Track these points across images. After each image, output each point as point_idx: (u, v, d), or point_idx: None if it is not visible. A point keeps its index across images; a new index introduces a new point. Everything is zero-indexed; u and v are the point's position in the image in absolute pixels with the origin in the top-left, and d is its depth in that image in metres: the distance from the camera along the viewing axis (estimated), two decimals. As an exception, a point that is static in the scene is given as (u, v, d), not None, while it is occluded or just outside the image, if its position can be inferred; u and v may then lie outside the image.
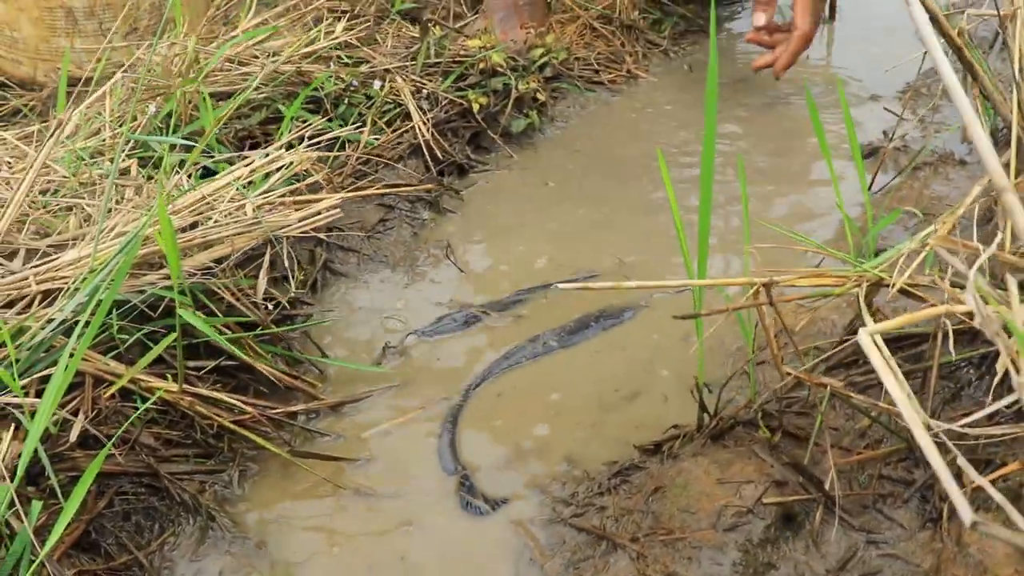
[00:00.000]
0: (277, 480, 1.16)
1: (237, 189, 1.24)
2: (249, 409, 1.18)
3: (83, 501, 1.07)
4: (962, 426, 0.93)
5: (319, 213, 1.27)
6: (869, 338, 0.73)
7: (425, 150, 1.65)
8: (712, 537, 0.95)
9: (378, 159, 1.62)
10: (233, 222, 1.24)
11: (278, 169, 1.31)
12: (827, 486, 0.99)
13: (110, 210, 1.30)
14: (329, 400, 1.25)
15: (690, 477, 1.02)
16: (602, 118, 1.87)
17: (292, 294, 1.29)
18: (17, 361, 1.12)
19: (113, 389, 1.11)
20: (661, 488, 1.02)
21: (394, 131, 1.68)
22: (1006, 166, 1.28)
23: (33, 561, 0.96)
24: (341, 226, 1.50)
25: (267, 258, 1.25)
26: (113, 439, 1.05)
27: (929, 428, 0.96)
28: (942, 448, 1.01)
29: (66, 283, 1.18)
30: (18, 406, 1.06)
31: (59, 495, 1.01)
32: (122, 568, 1.04)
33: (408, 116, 1.69)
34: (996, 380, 0.89)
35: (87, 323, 1.04)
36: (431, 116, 1.69)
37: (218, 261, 1.24)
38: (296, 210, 1.27)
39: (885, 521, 0.98)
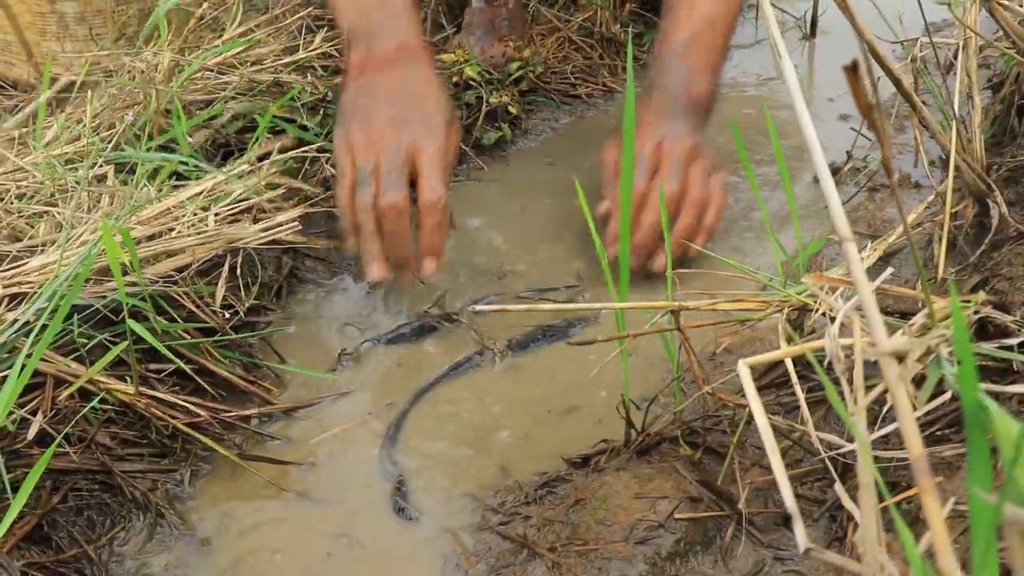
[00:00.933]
0: (226, 481, 1.22)
1: (200, 203, 1.30)
2: (202, 412, 1.24)
3: (38, 496, 1.14)
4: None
5: (279, 225, 1.32)
6: (746, 368, 0.78)
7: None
8: (623, 550, 1.00)
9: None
10: (196, 233, 1.30)
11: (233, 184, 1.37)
12: (741, 503, 1.04)
13: (81, 217, 1.36)
14: (282, 405, 1.31)
15: (610, 491, 1.07)
16: (576, 132, 1.92)
17: (248, 304, 1.35)
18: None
19: (71, 389, 1.18)
20: (582, 500, 1.07)
21: (367, 142, 1.73)
22: (944, 194, 1.32)
23: (-16, 553, 1.03)
24: (308, 234, 1.56)
25: (226, 267, 1.31)
26: (62, 435, 1.10)
27: (832, 448, 1.01)
28: (847, 469, 1.06)
29: (32, 288, 1.24)
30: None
31: (8, 491, 1.07)
32: (71, 560, 1.11)
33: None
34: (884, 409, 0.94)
35: (44, 326, 1.11)
36: (404, 128, 1.74)
37: (180, 270, 1.30)
38: (255, 222, 1.32)
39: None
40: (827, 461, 0.98)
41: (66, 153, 1.54)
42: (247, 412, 1.28)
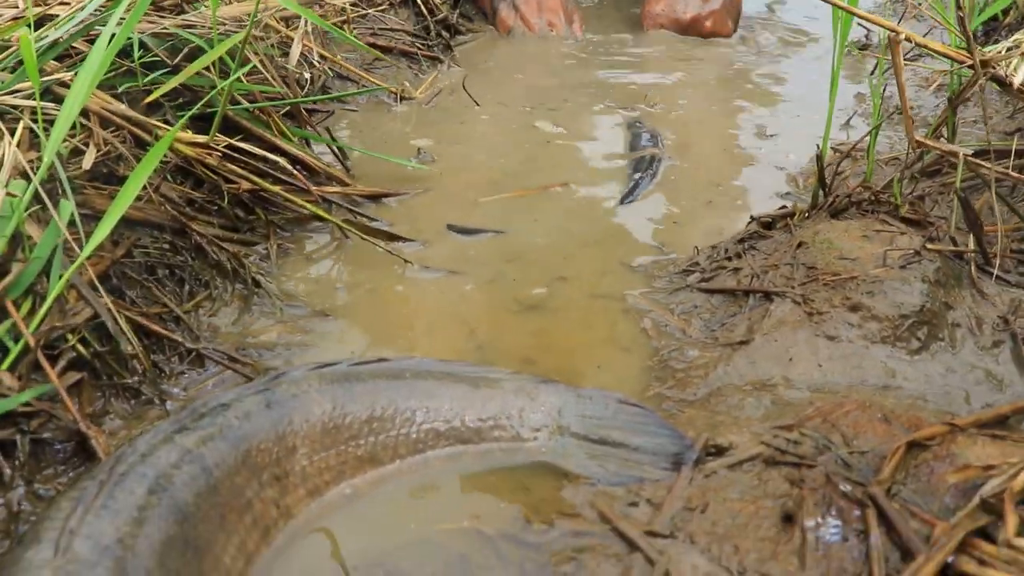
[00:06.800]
0: (330, 256, 0.94)
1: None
2: (296, 172, 0.96)
3: (99, 245, 0.81)
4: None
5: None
6: None
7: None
8: (891, 273, 0.83)
9: (368, 4, 1.44)
10: (263, -24, 1.02)
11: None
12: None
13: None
14: (368, 189, 1.05)
15: (830, 236, 0.90)
16: None
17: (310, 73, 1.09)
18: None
19: (165, 142, 0.87)
20: (804, 244, 0.89)
21: (380, -22, 1.50)
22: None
23: (61, 276, 0.71)
24: (337, 57, 1.30)
25: (304, 20, 1.04)
26: (158, 156, 0.78)
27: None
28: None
29: (69, 7, 0.92)
30: (30, 111, 0.80)
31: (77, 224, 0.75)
32: (156, 319, 0.79)
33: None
34: None
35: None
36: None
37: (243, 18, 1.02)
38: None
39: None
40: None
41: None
42: (347, 190, 1.01)
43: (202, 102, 0.92)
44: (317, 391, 0.66)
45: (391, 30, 1.41)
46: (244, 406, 0.63)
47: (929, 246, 0.87)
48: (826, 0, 0.89)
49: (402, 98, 1.31)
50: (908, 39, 0.93)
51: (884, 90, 0.97)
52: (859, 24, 1.74)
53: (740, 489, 0.64)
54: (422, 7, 1.47)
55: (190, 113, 0.89)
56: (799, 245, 0.89)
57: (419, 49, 1.42)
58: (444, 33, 1.48)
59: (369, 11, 1.42)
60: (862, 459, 0.65)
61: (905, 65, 1.40)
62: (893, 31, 0.93)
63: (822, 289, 0.84)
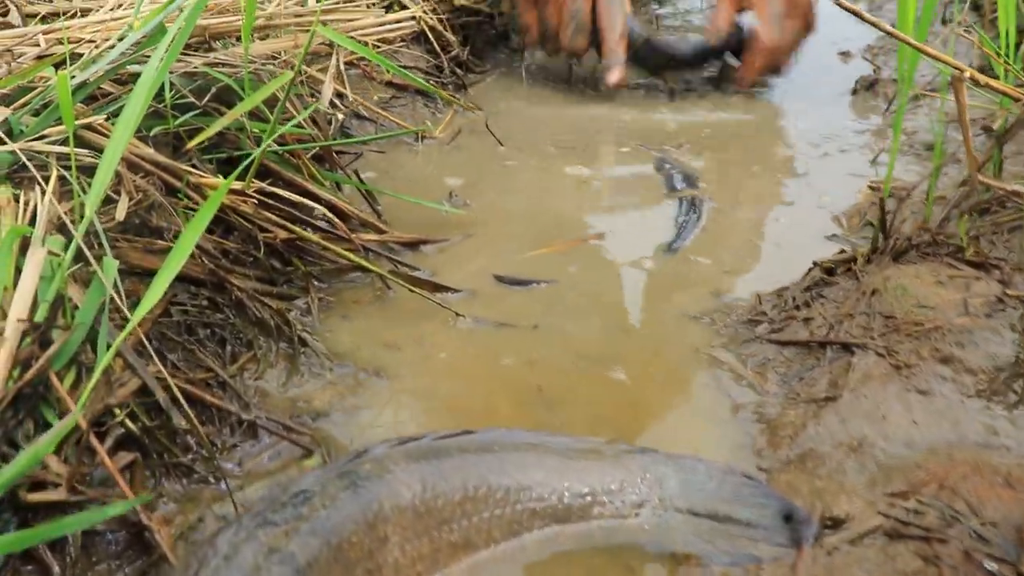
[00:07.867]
0: (370, 309, 0.87)
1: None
2: (335, 219, 0.89)
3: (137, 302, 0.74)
4: None
5: (397, 21, 1.01)
6: None
7: (432, 36, 1.42)
8: (978, 322, 0.78)
9: (382, 42, 1.37)
10: (294, 16, 0.96)
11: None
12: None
13: None
14: (407, 236, 0.98)
15: (902, 282, 0.85)
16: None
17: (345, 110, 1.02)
18: (21, 132, 0.78)
19: (220, 193, 0.79)
20: (877, 291, 0.84)
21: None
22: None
23: (110, 345, 0.63)
24: (357, 94, 1.24)
25: (335, 58, 0.97)
26: (210, 213, 0.71)
27: None
28: None
29: (93, 47, 0.85)
30: (57, 157, 0.73)
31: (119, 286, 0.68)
32: (202, 385, 0.72)
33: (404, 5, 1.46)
34: None
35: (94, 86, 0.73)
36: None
37: (277, 55, 0.95)
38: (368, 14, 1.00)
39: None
40: None
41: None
42: (383, 238, 0.94)
43: (256, 156, 0.84)
44: (404, 471, 0.59)
45: (406, 68, 1.35)
46: (328, 492, 0.56)
47: (1010, 292, 0.82)
48: (895, 36, 0.84)
49: (422, 137, 1.25)
50: (973, 79, 0.89)
51: (946, 129, 0.93)
52: (865, 59, 1.73)
53: (867, 568, 0.58)
54: (435, 44, 1.41)
55: (243, 165, 0.81)
56: (873, 292, 0.84)
57: (434, 87, 1.36)
58: (458, 71, 1.42)
59: (383, 47, 1.36)
60: (994, 531, 0.60)
61: (926, 98, 1.37)
62: (958, 69, 0.89)
63: (905, 340, 0.79)
